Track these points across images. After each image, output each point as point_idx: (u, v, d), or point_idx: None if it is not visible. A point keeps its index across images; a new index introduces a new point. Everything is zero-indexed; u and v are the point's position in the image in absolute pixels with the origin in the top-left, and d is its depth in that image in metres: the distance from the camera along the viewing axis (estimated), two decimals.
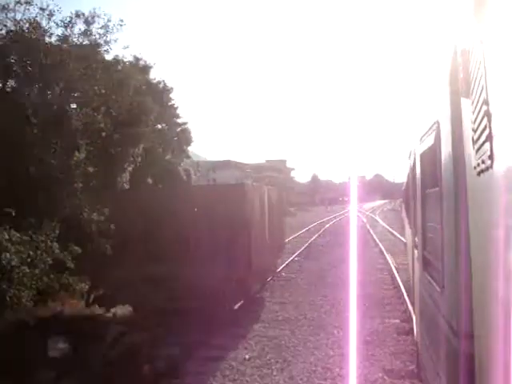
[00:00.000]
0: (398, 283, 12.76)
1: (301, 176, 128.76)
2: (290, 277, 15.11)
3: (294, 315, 10.41)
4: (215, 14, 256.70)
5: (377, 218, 44.56)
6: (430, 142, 2.72)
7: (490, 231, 1.50)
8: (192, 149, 27.20)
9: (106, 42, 12.96)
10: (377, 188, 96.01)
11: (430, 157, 2.83)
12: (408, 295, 10.04)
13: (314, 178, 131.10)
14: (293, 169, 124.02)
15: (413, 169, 5.12)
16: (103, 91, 12.23)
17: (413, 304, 5.80)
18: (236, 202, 10.15)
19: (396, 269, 14.84)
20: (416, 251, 4.34)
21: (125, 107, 13.43)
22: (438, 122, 2.45)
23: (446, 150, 2.27)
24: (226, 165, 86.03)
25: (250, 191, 11.13)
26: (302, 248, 21.77)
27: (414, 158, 4.26)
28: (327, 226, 37.41)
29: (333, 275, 14.61)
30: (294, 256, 18.94)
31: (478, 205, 1.69)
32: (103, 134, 12.46)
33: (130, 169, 15.04)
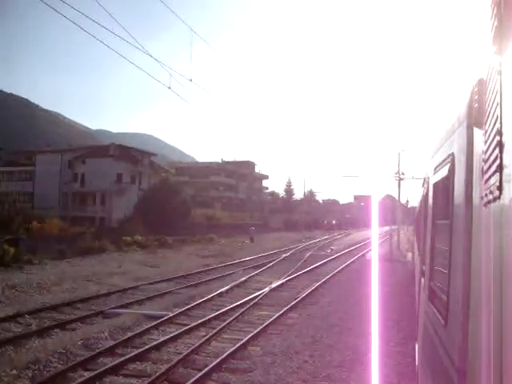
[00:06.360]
0: None
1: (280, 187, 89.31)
2: None
3: None
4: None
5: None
6: (443, 172, 2.71)
7: (492, 266, 1.49)
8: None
9: None
10: (386, 211, 78.65)
11: (442, 188, 2.82)
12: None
13: (288, 191, 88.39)
14: (266, 176, 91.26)
15: (425, 197, 5.10)
16: None
17: (416, 333, 5.71)
18: None
19: None
20: (423, 280, 4.29)
21: None
22: (452, 154, 2.44)
23: (458, 181, 2.27)
24: (103, 152, 52.89)
25: None
26: None
27: (427, 187, 4.25)
28: None
29: None
30: None
31: (484, 237, 1.68)
32: None
33: None
